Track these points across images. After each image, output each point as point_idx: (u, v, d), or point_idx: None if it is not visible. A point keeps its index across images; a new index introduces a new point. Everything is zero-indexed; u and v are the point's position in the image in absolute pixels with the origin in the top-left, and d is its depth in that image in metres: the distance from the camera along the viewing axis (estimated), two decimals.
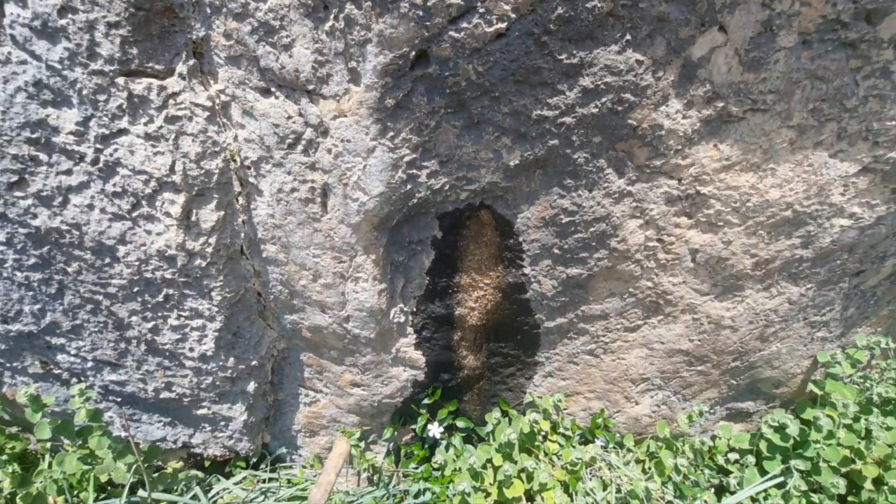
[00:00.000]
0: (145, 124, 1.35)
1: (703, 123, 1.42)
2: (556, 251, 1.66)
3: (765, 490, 2.05)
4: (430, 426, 2.06)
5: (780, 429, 2.06)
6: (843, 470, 1.98)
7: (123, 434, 1.98)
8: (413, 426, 2.12)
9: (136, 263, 1.54)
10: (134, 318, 1.66)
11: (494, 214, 1.60)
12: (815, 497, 1.96)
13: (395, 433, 2.15)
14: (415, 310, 1.81)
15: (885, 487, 1.93)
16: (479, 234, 1.64)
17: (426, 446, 2.17)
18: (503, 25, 1.20)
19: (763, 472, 2.06)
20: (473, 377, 2.06)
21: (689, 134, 1.43)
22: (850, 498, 2.05)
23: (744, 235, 1.63)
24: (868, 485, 1.98)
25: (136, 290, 1.59)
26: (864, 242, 1.67)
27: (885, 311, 2.00)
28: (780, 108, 1.39)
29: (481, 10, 1.18)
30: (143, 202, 1.45)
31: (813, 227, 1.62)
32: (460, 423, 2.12)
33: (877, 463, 1.99)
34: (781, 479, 2.01)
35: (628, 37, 1.26)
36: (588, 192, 1.53)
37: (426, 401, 2.06)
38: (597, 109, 1.36)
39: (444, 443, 2.10)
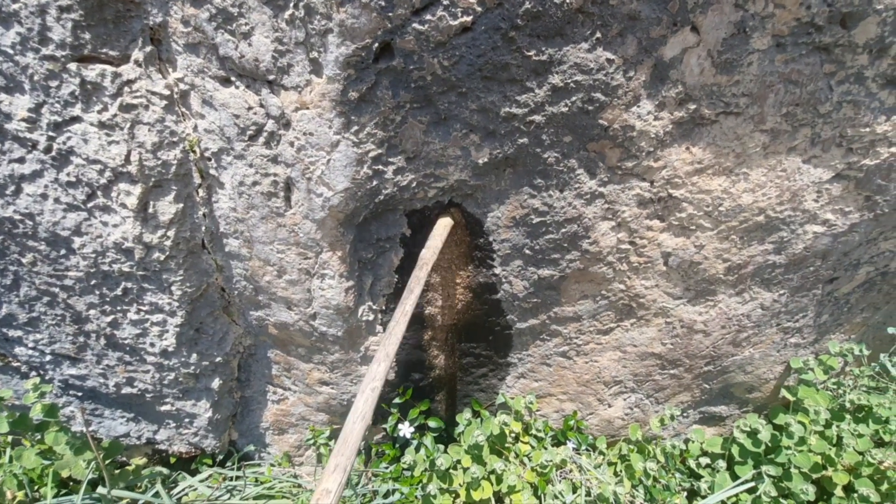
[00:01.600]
0: (99, 112, 1.30)
1: (675, 125, 1.39)
2: (528, 252, 1.64)
3: (736, 495, 2.04)
4: (400, 426, 2.03)
5: (752, 434, 2.06)
6: (814, 476, 1.98)
7: (84, 429, 1.93)
8: (384, 425, 2.09)
9: (93, 256, 1.49)
10: (92, 312, 1.61)
11: (464, 213, 1.57)
12: (785, 503, 1.96)
13: (366, 433, 2.12)
14: (384, 308, 1.78)
15: (856, 495, 1.93)
16: (448, 232, 1.61)
17: (397, 446, 2.15)
18: (469, 19, 1.16)
19: (734, 477, 2.06)
20: (445, 377, 2.03)
21: (661, 136, 1.40)
22: None
23: (716, 240, 1.61)
24: (838, 492, 1.98)
25: (93, 282, 1.55)
26: (837, 249, 1.66)
27: (859, 319, 1.99)
28: (754, 112, 1.37)
29: (446, 3, 1.14)
30: (99, 192, 1.40)
31: (786, 232, 1.60)
32: (432, 423, 2.09)
33: (847, 470, 1.99)
34: (752, 484, 2.01)
35: (598, 35, 1.23)
36: (559, 193, 1.50)
37: (397, 400, 2.03)
38: (567, 108, 1.33)
39: (414, 443, 2.07)
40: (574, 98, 1.31)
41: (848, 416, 2.06)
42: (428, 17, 1.15)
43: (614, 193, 1.52)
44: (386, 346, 1.21)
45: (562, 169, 1.46)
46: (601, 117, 1.36)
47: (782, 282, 1.74)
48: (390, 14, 1.15)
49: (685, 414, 2.20)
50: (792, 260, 1.67)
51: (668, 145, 1.43)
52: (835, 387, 2.13)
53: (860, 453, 1.98)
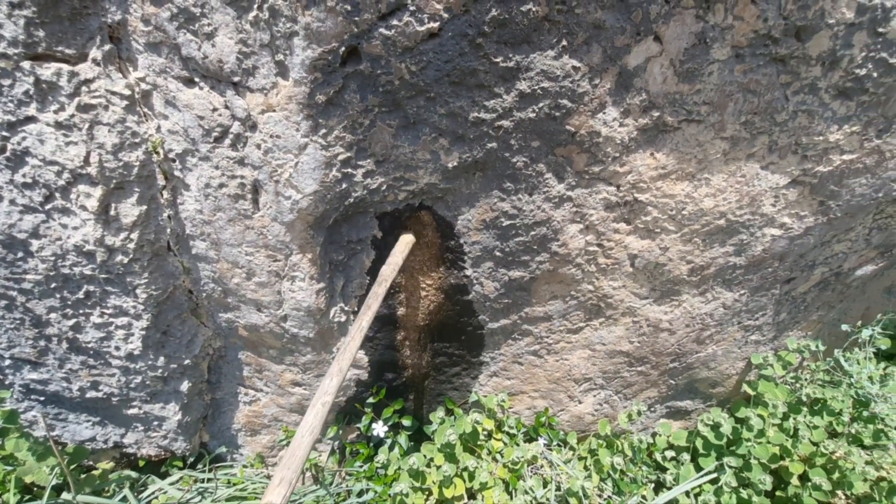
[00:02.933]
0: (55, 112, 1.26)
1: (639, 132, 1.42)
2: (498, 254, 1.66)
3: (699, 486, 2.12)
4: (374, 425, 2.04)
5: (715, 427, 2.14)
6: (773, 467, 2.07)
7: (47, 434, 1.88)
8: (358, 425, 2.10)
9: (52, 258, 1.45)
10: (53, 316, 1.57)
11: (435, 215, 1.58)
12: (744, 493, 2.04)
13: (340, 432, 2.13)
14: (356, 309, 1.78)
15: (810, 484, 2.02)
16: (419, 235, 1.62)
17: (371, 445, 2.16)
18: (435, 25, 1.16)
19: (699, 469, 2.14)
20: (419, 376, 2.05)
21: (627, 142, 1.44)
22: (777, 493, 2.14)
23: (680, 242, 1.66)
24: (794, 481, 2.08)
25: (53, 286, 1.50)
26: (793, 251, 1.73)
27: (815, 317, 2.08)
28: (714, 120, 1.41)
29: (412, 9, 1.13)
30: (57, 194, 1.36)
31: (745, 235, 1.66)
32: (406, 422, 2.11)
33: (803, 460, 2.09)
34: (715, 475, 2.09)
35: (564, 42, 1.24)
36: (528, 196, 1.53)
37: (371, 400, 2.04)
38: (534, 114, 1.35)
39: (388, 441, 2.09)
40: (541, 104, 1.33)
41: (804, 409, 2.15)
42: (394, 22, 1.15)
43: (582, 197, 1.55)
44: (339, 361, 1.23)
45: (530, 173, 1.48)
46: (568, 123, 1.38)
47: (743, 282, 1.80)
48: (356, 18, 1.14)
49: (652, 409, 2.27)
50: (751, 261, 1.73)
51: (634, 151, 1.46)
52: (793, 381, 2.22)
53: (815, 444, 2.07)
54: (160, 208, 1.47)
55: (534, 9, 1.18)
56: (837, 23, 1.24)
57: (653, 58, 1.30)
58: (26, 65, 1.20)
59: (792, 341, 2.13)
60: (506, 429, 2.17)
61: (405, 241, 1.57)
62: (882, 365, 2.26)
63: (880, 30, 1.25)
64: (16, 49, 1.18)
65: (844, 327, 2.13)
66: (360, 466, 2.11)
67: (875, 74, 1.32)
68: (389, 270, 1.49)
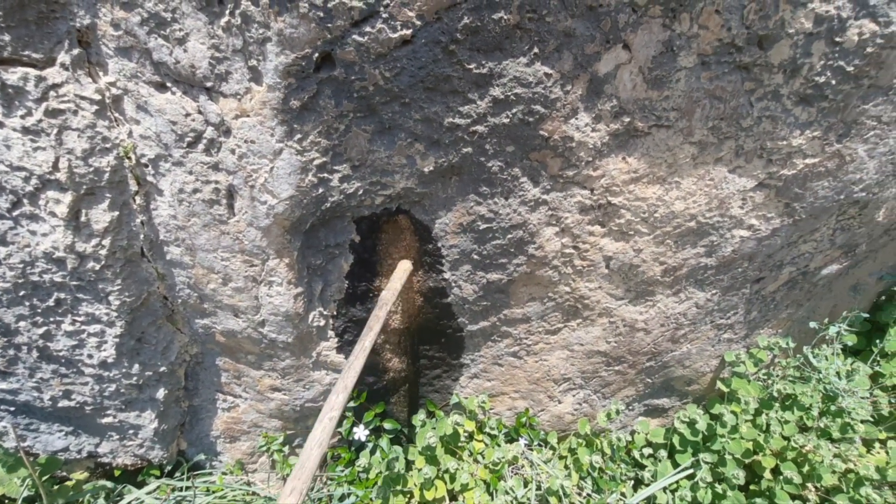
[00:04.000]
0: (22, 117, 1.23)
1: (611, 137, 1.46)
2: (476, 257, 1.67)
3: (676, 482, 2.17)
4: (355, 429, 2.04)
5: (691, 424, 2.19)
6: (746, 461, 2.12)
7: (18, 445, 1.84)
8: (339, 429, 2.09)
9: (21, 266, 1.42)
10: (22, 324, 1.54)
11: (412, 219, 1.59)
12: (719, 488, 2.10)
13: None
14: (335, 313, 1.78)
15: (781, 477, 2.08)
16: (397, 238, 1.63)
17: (353, 449, 2.16)
18: (408, 32, 1.18)
19: (676, 465, 2.18)
20: (400, 379, 2.05)
21: (599, 146, 1.47)
22: (751, 487, 2.20)
23: (653, 244, 1.70)
24: (767, 475, 2.14)
25: (22, 293, 1.47)
26: (762, 252, 1.78)
27: (784, 315, 2.15)
28: (683, 125, 1.45)
29: (385, 16, 1.15)
30: (25, 200, 1.33)
31: (715, 237, 1.71)
32: (387, 425, 2.11)
33: (774, 455, 2.15)
34: (692, 471, 2.14)
35: (536, 50, 1.27)
36: (504, 200, 1.55)
37: (352, 404, 2.03)
38: (508, 119, 1.37)
39: (370, 445, 2.09)
40: (515, 110, 1.35)
41: (776, 405, 2.22)
42: (367, 29, 1.16)
43: (557, 200, 1.57)
44: (345, 379, 1.29)
45: (506, 177, 1.50)
46: (542, 128, 1.40)
47: (714, 282, 1.85)
48: (329, 25, 1.15)
49: (631, 407, 2.31)
50: (722, 262, 1.78)
51: (606, 155, 1.50)
52: (765, 377, 2.29)
53: (786, 438, 2.13)
54: (133, 214, 1.46)
55: (505, 17, 1.20)
56: (797, 32, 1.29)
57: (622, 65, 1.33)
58: None
59: (763, 339, 2.19)
60: (487, 430, 2.19)
61: (404, 268, 1.65)
62: (849, 360, 2.34)
63: (837, 39, 1.31)
64: None
65: (812, 325, 2.20)
66: (342, 471, 2.10)
67: (833, 82, 1.38)
68: (389, 295, 1.56)
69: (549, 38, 1.26)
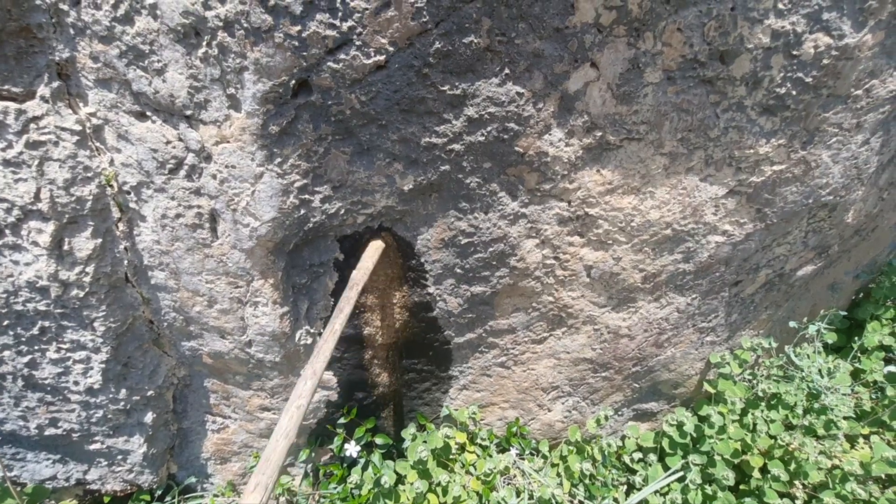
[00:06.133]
0: (2, 150, 1.25)
1: (584, 151, 1.50)
2: (459, 270, 1.70)
3: (667, 485, 2.19)
4: (347, 445, 2.04)
5: (679, 426, 2.22)
6: (735, 461, 2.15)
7: (4, 475, 1.82)
8: (330, 446, 2.09)
9: (4, 296, 1.42)
10: (6, 353, 1.53)
11: (395, 236, 1.62)
12: (709, 489, 2.12)
13: (312, 454, 2.12)
14: (321, 331, 1.79)
15: (769, 476, 2.11)
16: (381, 255, 1.65)
17: (345, 465, 2.16)
18: (382, 58, 1.21)
19: (666, 468, 2.21)
20: (389, 394, 2.07)
21: (574, 160, 1.51)
22: (741, 487, 2.23)
23: (631, 252, 1.74)
24: (756, 474, 2.17)
25: (5, 323, 1.47)
26: (737, 256, 1.83)
27: (764, 316, 2.20)
28: (653, 138, 1.50)
29: (358, 43, 1.18)
30: (7, 231, 1.34)
31: (691, 243, 1.75)
32: (379, 440, 2.12)
33: (762, 454, 2.18)
34: (682, 473, 2.16)
35: (507, 71, 1.31)
36: (484, 215, 1.58)
37: (342, 420, 2.04)
38: (483, 137, 1.41)
39: (362, 461, 2.09)
40: (489, 128, 1.39)
41: (762, 404, 2.26)
42: (342, 56, 1.20)
43: (536, 213, 1.61)
44: (313, 364, 1.23)
45: (484, 193, 1.53)
46: (517, 145, 1.45)
47: (693, 287, 1.90)
48: (304, 53, 1.18)
49: (620, 413, 2.34)
50: (699, 267, 1.83)
51: (581, 168, 1.54)
52: (750, 378, 2.33)
53: (772, 437, 2.17)
54: (116, 240, 1.47)
55: (475, 41, 1.24)
56: (756, 47, 1.35)
57: (591, 82, 1.38)
58: None
59: (746, 340, 2.24)
60: (478, 441, 2.20)
61: (375, 247, 1.59)
62: (830, 358, 2.39)
63: (794, 52, 1.36)
64: None
65: (792, 324, 2.25)
66: (335, 488, 2.10)
67: (794, 92, 1.43)
68: (360, 275, 1.50)
69: (520, 60, 1.30)
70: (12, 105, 1.23)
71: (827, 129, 1.53)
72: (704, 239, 1.74)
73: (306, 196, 1.43)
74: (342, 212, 1.50)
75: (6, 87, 1.22)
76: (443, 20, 1.20)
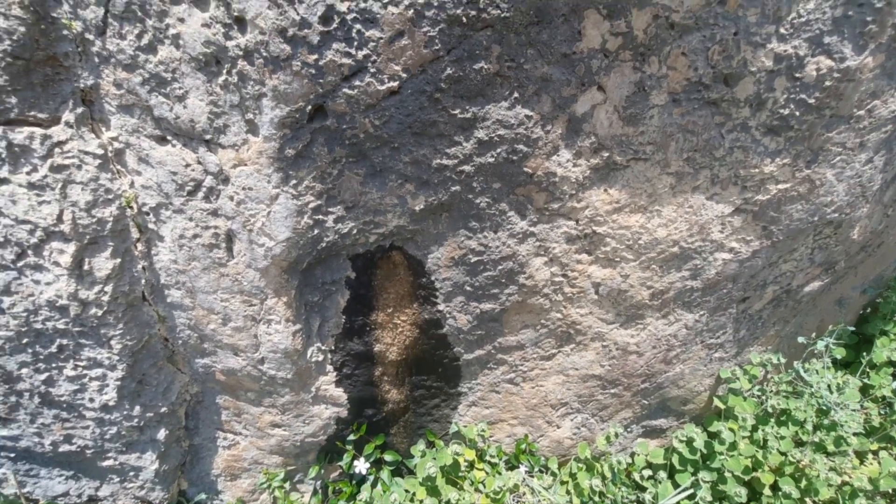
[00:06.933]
0: (28, 173, 1.29)
1: (592, 171, 1.53)
2: (468, 288, 1.72)
3: (677, 502, 2.17)
4: (356, 462, 2.05)
5: (689, 443, 2.21)
6: (746, 478, 2.14)
7: (18, 492, 1.83)
8: (340, 463, 2.10)
9: (24, 314, 1.45)
10: (24, 371, 1.56)
11: (406, 255, 1.64)
12: None
13: (322, 471, 2.12)
14: (333, 348, 1.81)
15: (780, 493, 2.10)
16: (392, 273, 1.68)
17: (354, 482, 2.16)
18: (395, 84, 1.25)
19: (676, 486, 2.19)
20: (399, 410, 2.07)
21: (581, 180, 1.54)
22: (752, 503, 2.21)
23: (639, 269, 1.76)
24: (767, 491, 2.15)
25: (24, 341, 1.50)
26: (745, 273, 1.85)
27: (772, 332, 2.20)
28: (659, 158, 1.53)
29: (372, 70, 1.22)
30: (29, 252, 1.38)
31: (699, 260, 1.77)
32: (388, 457, 2.12)
33: (773, 471, 2.17)
34: (692, 490, 2.15)
35: (516, 94, 1.35)
36: (493, 234, 1.61)
37: (351, 437, 2.05)
38: (493, 159, 1.44)
39: (371, 478, 2.09)
40: (499, 150, 1.43)
41: (772, 420, 2.25)
42: (357, 82, 1.24)
43: (544, 232, 1.64)
44: None
45: (494, 212, 1.56)
46: (525, 165, 1.48)
47: (701, 303, 1.91)
48: (321, 80, 1.22)
49: (629, 429, 2.33)
50: (707, 284, 1.84)
51: (588, 188, 1.57)
52: (759, 393, 2.32)
53: (783, 454, 2.16)
54: (134, 260, 1.50)
55: (486, 66, 1.28)
56: (759, 70, 1.38)
57: (598, 105, 1.42)
58: None
59: (755, 356, 2.24)
60: (487, 458, 2.19)
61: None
62: (839, 373, 2.38)
63: (797, 75, 1.39)
64: None
65: (801, 340, 2.25)
66: None
67: (798, 113, 1.46)
68: None
69: (528, 84, 1.34)
70: (38, 130, 1.27)
71: (831, 148, 1.56)
72: (711, 256, 1.76)
73: (320, 216, 1.46)
74: (355, 231, 1.53)
75: (32, 113, 1.26)
76: (454, 47, 1.24)
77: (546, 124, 1.41)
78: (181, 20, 1.16)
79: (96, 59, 1.25)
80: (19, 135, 1.26)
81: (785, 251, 1.83)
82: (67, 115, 1.29)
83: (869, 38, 1.35)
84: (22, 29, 1.15)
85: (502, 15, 1.21)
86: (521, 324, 1.88)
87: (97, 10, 1.18)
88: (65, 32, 1.21)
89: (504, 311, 1.81)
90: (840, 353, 2.36)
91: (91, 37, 1.22)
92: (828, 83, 1.41)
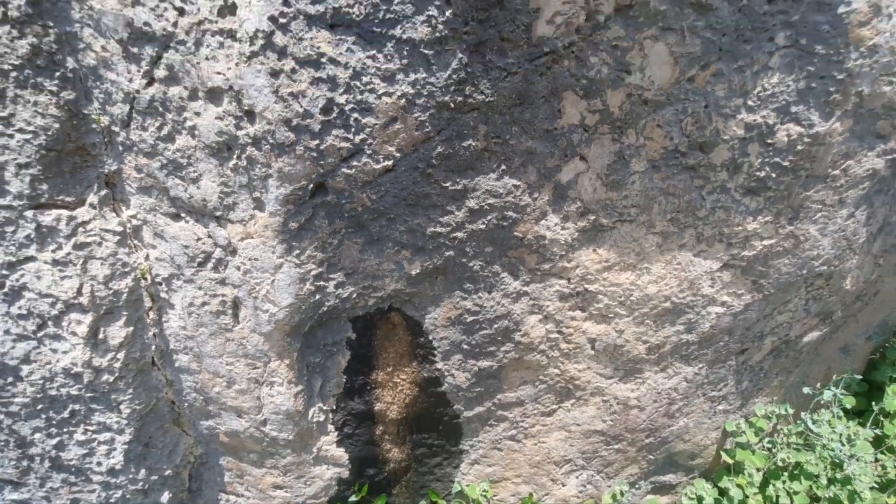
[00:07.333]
0: (53, 251, 1.40)
1: (580, 233, 1.60)
2: (466, 346, 1.77)
3: None
4: None
5: (699, 501, 2.15)
6: None
7: None
8: None
9: (41, 382, 1.52)
10: (37, 436, 1.61)
11: (404, 316, 1.70)
12: None
13: None
14: (334, 408, 1.84)
15: None
16: (391, 334, 1.73)
17: None
18: (390, 163, 1.36)
19: None
20: (400, 470, 2.06)
21: (570, 242, 1.61)
22: None
23: (633, 325, 1.79)
24: None
25: (39, 407, 1.56)
26: (739, 325, 1.87)
27: (776, 382, 2.18)
28: (644, 219, 1.60)
29: (369, 152, 1.34)
30: (49, 323, 1.46)
31: (692, 315, 1.80)
32: None
33: None
34: None
35: (504, 167, 1.45)
36: (488, 294, 1.67)
37: (353, 498, 2.03)
38: (484, 225, 1.52)
39: None
40: (490, 217, 1.51)
41: (783, 475, 2.19)
42: (354, 163, 1.35)
43: (537, 291, 1.69)
44: None
45: (487, 274, 1.63)
46: (516, 230, 1.56)
47: (699, 356, 1.92)
48: (322, 162, 1.33)
49: (637, 486, 2.28)
50: (703, 337, 1.86)
51: (577, 249, 1.63)
52: (769, 446, 2.27)
53: None
54: (146, 328, 1.58)
55: (473, 143, 1.39)
56: (732, 138, 1.47)
57: (581, 173, 1.51)
58: (29, 213, 1.36)
59: (760, 407, 2.21)
60: None
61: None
62: (851, 423, 2.32)
63: (769, 141, 1.48)
64: (20, 201, 1.35)
65: (806, 390, 2.22)
66: None
67: (774, 175, 1.54)
68: None
69: (514, 157, 1.44)
70: (64, 213, 1.39)
71: (811, 205, 1.62)
72: (704, 310, 1.79)
73: (321, 283, 1.54)
74: (354, 295, 1.60)
75: (60, 197, 1.38)
76: (444, 128, 1.35)
77: (533, 192, 1.50)
78: (197, 114, 1.29)
79: (120, 148, 1.38)
80: (48, 217, 1.37)
81: (778, 303, 1.86)
82: (92, 198, 1.41)
83: (834, 105, 1.44)
84: (56, 126, 1.29)
85: (487, 99, 1.33)
86: (520, 380, 1.90)
87: (123, 107, 1.32)
88: (94, 126, 1.35)
89: (502, 367, 1.84)
90: (850, 403, 2.31)
91: (117, 129, 1.36)
92: (800, 147, 1.49)
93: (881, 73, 1.38)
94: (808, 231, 1.67)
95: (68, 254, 1.41)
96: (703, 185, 1.57)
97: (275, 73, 1.21)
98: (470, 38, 1.24)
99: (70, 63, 1.26)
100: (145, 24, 1.20)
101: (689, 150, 1.50)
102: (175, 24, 1.20)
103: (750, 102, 1.42)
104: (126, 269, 1.48)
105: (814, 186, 1.59)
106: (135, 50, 1.24)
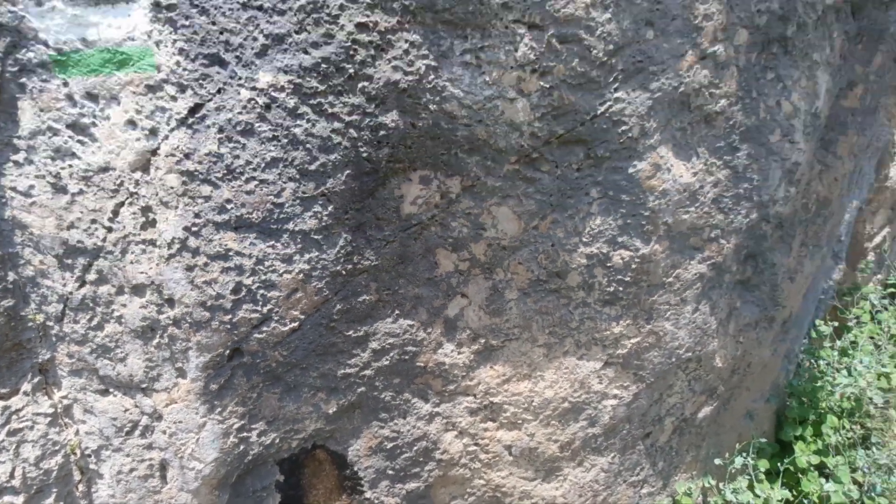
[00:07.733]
0: None
1: (475, 354, 1.86)
2: (391, 472, 1.90)
3: None
4: None
5: None
6: None
7: None
8: None
9: None
10: None
11: (328, 451, 1.84)
12: None
13: None
14: None
15: None
16: (318, 470, 1.85)
17: None
18: (296, 324, 1.61)
19: None
20: None
21: (468, 363, 1.86)
22: None
23: (541, 427, 2.00)
24: None
25: None
26: (635, 413, 2.10)
27: (689, 458, 2.38)
28: (527, 336, 1.88)
29: (276, 318, 1.58)
30: None
31: (590, 409, 2.03)
32: None
33: None
34: None
35: (397, 311, 1.72)
36: (403, 419, 1.85)
37: None
38: (388, 361, 1.75)
39: None
40: (392, 353, 1.75)
41: None
42: (265, 328, 1.58)
43: (448, 410, 1.89)
44: None
45: (399, 402, 1.83)
46: (418, 361, 1.79)
47: (608, 446, 2.12)
48: (235, 332, 1.56)
49: None
50: (606, 428, 2.07)
51: (476, 368, 1.88)
52: None
53: None
54: (75, 500, 1.65)
55: (368, 297, 1.66)
56: (579, 265, 1.82)
57: (465, 307, 1.80)
58: None
59: (681, 484, 2.38)
60: None
61: None
62: (771, 485, 2.51)
63: (608, 264, 1.84)
64: None
65: (717, 462, 2.43)
66: None
67: (621, 288, 1.88)
68: None
69: (405, 302, 1.72)
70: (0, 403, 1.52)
71: (659, 307, 1.96)
72: (600, 404, 2.03)
73: (245, 434, 1.69)
74: (278, 440, 1.75)
75: None
76: (339, 290, 1.63)
77: (427, 328, 1.77)
78: (124, 305, 1.52)
79: (54, 339, 1.57)
80: None
81: (663, 388, 2.13)
82: (25, 386, 1.56)
83: (650, 233, 1.83)
84: None
85: (373, 263, 1.64)
86: (449, 496, 2.02)
87: (58, 306, 1.53)
88: (30, 324, 1.54)
89: (429, 486, 1.96)
90: (763, 466, 2.52)
91: (51, 324, 1.55)
92: (634, 266, 1.85)
93: (676, 207, 1.81)
94: (665, 327, 1.99)
95: (2, 441, 1.52)
96: (568, 303, 1.89)
97: (190, 268, 1.48)
98: (351, 222, 1.57)
99: (11, 276, 1.49)
100: (78, 241, 1.46)
101: (549, 278, 1.84)
102: (104, 240, 1.47)
103: (584, 239, 1.80)
104: (56, 448, 1.59)
105: (656, 292, 1.94)
106: (69, 261, 1.48)
